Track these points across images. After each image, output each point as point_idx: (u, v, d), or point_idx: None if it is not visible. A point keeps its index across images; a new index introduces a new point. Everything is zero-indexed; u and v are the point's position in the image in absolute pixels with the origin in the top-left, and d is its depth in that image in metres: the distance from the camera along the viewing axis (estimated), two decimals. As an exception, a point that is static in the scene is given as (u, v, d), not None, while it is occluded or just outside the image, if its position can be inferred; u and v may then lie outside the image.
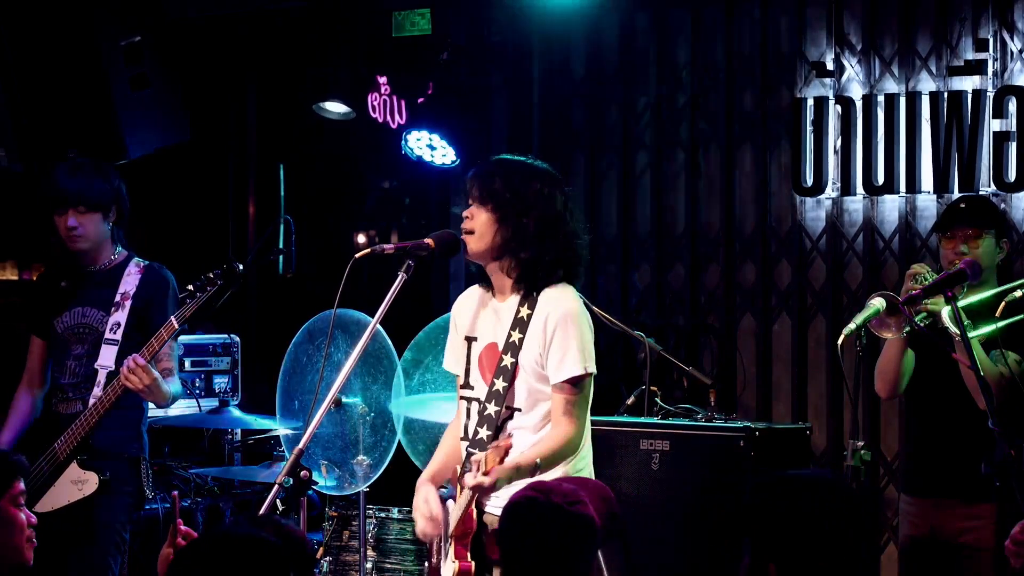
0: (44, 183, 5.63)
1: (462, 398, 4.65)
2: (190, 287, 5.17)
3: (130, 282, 5.52)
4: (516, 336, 4.50)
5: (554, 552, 3.48)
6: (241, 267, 5.13)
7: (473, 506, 4.40)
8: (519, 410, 4.52)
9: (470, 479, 4.26)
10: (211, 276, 5.14)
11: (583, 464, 4.57)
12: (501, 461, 4.25)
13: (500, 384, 4.50)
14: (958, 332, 4.47)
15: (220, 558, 2.89)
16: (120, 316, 5.48)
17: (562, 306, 4.49)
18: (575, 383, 4.46)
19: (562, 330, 4.45)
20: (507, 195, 4.49)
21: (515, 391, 4.51)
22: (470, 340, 4.64)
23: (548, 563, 3.47)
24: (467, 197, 4.59)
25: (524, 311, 4.52)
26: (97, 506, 5.38)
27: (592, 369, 4.49)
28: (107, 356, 5.47)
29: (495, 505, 4.40)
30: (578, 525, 3.51)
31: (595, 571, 4.76)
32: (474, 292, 4.71)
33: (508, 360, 4.51)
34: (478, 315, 4.64)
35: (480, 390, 4.58)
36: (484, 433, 4.50)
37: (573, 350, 4.45)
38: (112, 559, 5.40)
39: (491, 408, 4.50)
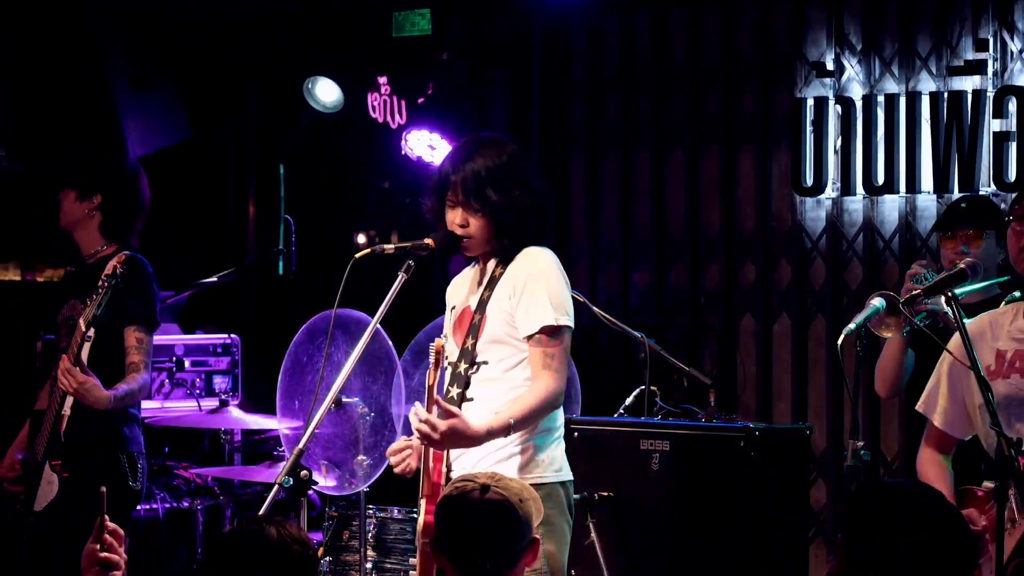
0: None
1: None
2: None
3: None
4: (487, 294, 4.49)
5: (482, 539, 3.54)
6: (121, 270, 5.14)
7: (442, 464, 4.38)
8: (485, 363, 4.49)
9: (415, 421, 4.25)
10: (99, 283, 5.14)
11: (555, 423, 4.50)
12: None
13: (470, 341, 4.48)
14: (953, 315, 4.45)
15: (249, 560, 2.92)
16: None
17: (534, 261, 4.47)
18: (551, 334, 4.40)
19: (533, 282, 4.42)
20: (499, 200, 4.47)
21: (479, 344, 4.48)
22: (452, 309, 4.65)
23: (478, 550, 3.53)
24: (440, 187, 4.54)
25: (499, 271, 4.52)
26: (76, 505, 5.34)
27: (568, 323, 4.44)
28: (83, 351, 5.34)
29: (461, 467, 4.40)
30: (499, 509, 3.56)
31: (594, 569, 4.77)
32: (467, 272, 4.72)
33: (477, 317, 4.49)
34: (467, 287, 4.66)
35: (453, 353, 4.55)
36: (455, 392, 4.47)
37: (544, 300, 4.40)
38: None
39: (462, 366, 4.47)
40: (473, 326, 4.49)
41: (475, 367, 4.49)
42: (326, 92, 7.94)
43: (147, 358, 5.42)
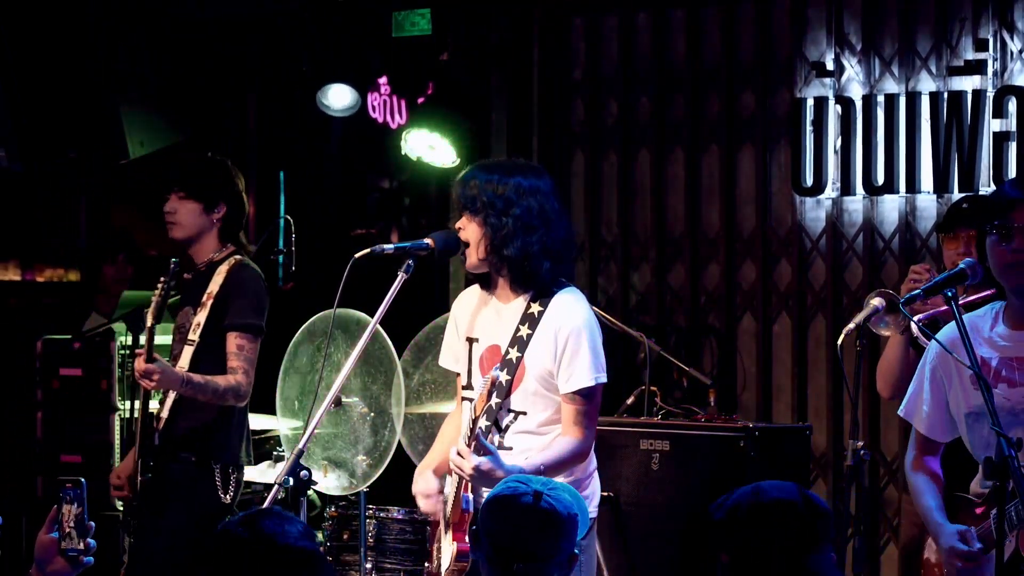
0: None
1: (464, 398, 4.64)
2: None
3: (218, 281, 5.40)
4: (524, 331, 4.47)
5: (523, 544, 3.54)
6: (176, 261, 5.23)
7: (469, 491, 4.41)
8: (524, 413, 4.51)
9: (459, 460, 4.30)
10: (163, 279, 5.19)
11: (589, 471, 4.58)
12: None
13: (503, 377, 4.47)
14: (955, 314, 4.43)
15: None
16: (202, 316, 5.38)
17: (576, 315, 4.49)
18: (586, 394, 4.47)
19: (574, 340, 4.45)
20: (483, 197, 4.48)
21: (519, 393, 4.50)
22: (471, 341, 4.63)
23: (516, 554, 3.53)
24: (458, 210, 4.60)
25: (535, 308, 4.51)
26: (168, 510, 5.32)
27: (603, 379, 4.51)
28: (185, 357, 5.37)
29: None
30: (547, 519, 3.55)
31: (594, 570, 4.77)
32: (475, 291, 4.70)
33: (514, 354, 4.48)
34: (478, 314, 4.63)
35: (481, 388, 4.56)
36: (483, 423, 4.49)
37: (585, 361, 4.45)
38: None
39: (492, 400, 4.46)
40: (508, 362, 4.47)
41: (513, 416, 4.52)
42: (338, 98, 7.92)
43: (246, 364, 5.35)
